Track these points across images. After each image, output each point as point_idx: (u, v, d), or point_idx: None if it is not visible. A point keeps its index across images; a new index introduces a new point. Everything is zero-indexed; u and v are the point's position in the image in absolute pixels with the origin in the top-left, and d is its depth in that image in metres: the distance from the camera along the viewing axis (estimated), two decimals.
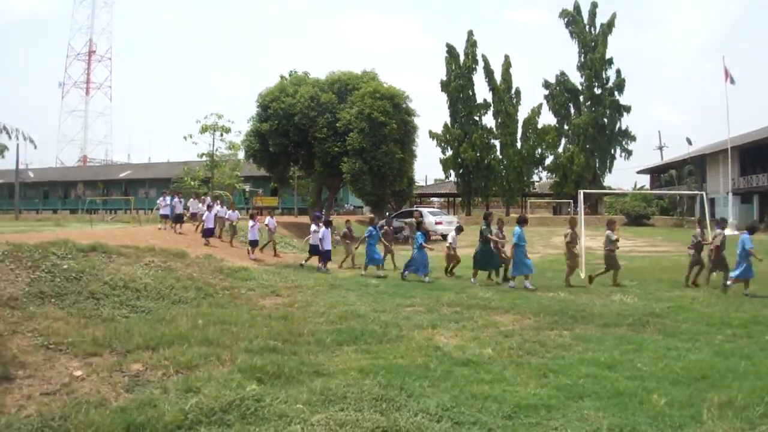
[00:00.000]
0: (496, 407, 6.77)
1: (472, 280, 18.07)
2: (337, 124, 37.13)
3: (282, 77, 43.49)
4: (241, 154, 46.20)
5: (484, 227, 18.55)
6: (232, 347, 9.39)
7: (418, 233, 19.29)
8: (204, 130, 43.37)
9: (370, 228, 21.42)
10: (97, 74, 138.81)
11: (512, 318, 12.66)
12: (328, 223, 22.50)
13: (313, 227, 21.96)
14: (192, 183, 47.58)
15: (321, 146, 37.46)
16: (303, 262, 21.92)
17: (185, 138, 44.01)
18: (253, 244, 23.53)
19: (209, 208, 25.17)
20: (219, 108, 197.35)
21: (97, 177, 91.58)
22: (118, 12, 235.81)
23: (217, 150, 45.29)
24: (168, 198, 27.28)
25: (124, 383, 7.76)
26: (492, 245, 18.28)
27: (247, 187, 64.78)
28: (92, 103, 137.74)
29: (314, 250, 21.73)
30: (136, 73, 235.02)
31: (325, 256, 21.38)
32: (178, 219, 26.13)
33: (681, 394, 7.32)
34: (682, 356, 9.32)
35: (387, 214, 42.45)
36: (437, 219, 38.83)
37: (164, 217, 26.68)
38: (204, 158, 46.06)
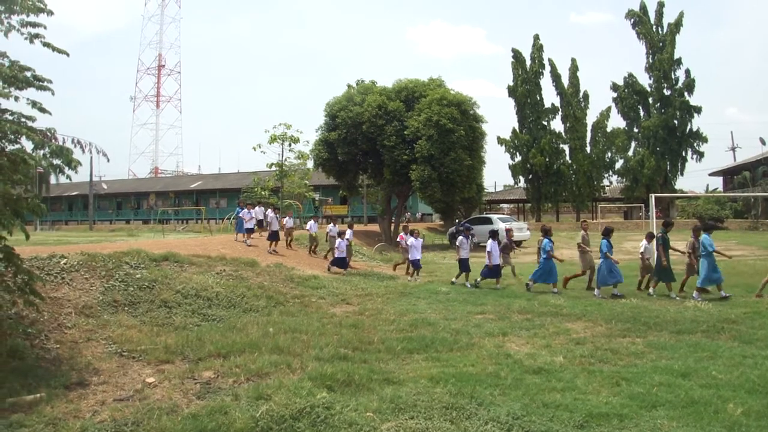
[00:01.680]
0: (568, 416, 6.69)
1: (650, 291, 17.12)
2: (405, 132, 37.15)
3: (349, 86, 43.82)
4: (310, 164, 46.54)
5: (660, 235, 17.74)
6: (302, 355, 9.45)
7: (546, 240, 18.39)
8: (273, 140, 43.75)
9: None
10: (166, 88, 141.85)
11: (584, 325, 12.55)
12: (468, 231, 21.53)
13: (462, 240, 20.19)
14: (262, 193, 48.01)
15: (389, 154, 37.51)
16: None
17: (254, 148, 44.48)
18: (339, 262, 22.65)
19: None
20: (287, 118, 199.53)
21: (169, 188, 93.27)
22: (186, 26, 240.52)
23: (286, 159, 45.67)
24: (253, 211, 26.34)
25: (196, 390, 7.87)
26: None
27: (317, 196, 65.16)
28: (163, 115, 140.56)
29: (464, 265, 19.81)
30: (206, 85, 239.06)
31: (415, 265, 21.25)
32: (250, 231, 25.89)
33: (758, 404, 7.14)
34: (758, 364, 9.09)
35: (456, 221, 42.50)
36: (507, 225, 38.54)
37: (249, 231, 25.54)
38: (273, 168, 46.46)
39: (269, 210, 25.99)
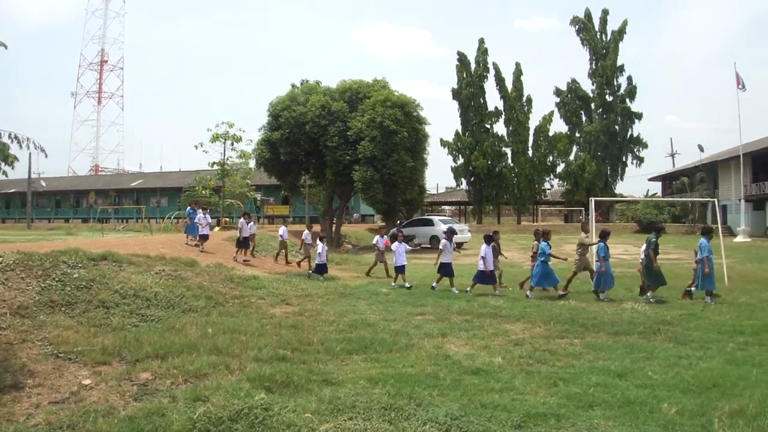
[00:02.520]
0: (505, 416, 6.75)
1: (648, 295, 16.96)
2: (348, 133, 37.23)
3: (293, 86, 43.68)
4: (252, 163, 46.38)
5: (653, 239, 17.25)
6: (241, 356, 9.39)
7: (543, 243, 17.84)
8: (215, 139, 43.59)
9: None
10: (109, 84, 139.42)
11: (522, 326, 12.68)
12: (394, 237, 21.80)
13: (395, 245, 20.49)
14: (203, 192, 47.67)
15: (332, 155, 37.55)
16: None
17: (196, 147, 44.38)
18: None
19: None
20: (231, 117, 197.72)
21: (109, 186, 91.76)
22: (130, 22, 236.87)
23: (228, 159, 45.49)
24: (207, 215, 25.61)
25: (133, 392, 7.78)
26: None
27: (259, 196, 64.79)
28: (104, 112, 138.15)
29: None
30: (148, 82, 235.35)
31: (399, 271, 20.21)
32: (205, 237, 24.80)
33: (692, 403, 7.30)
34: (693, 364, 9.30)
35: (398, 222, 42.61)
36: (449, 227, 38.82)
37: (204, 237, 24.40)
38: (215, 167, 46.17)
39: (241, 218, 24.65)
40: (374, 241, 23.47)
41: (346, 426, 6.34)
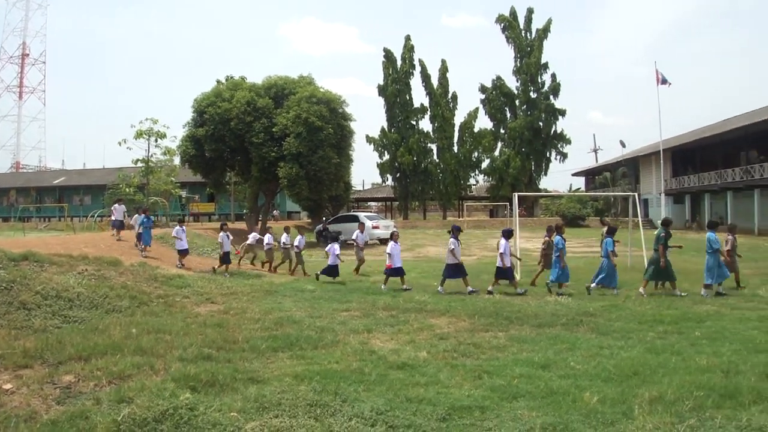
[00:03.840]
0: (431, 410, 6.82)
1: (641, 290, 16.89)
2: (274, 129, 37.07)
3: (218, 82, 43.32)
4: (176, 160, 45.80)
5: (661, 233, 17.36)
6: (165, 356, 9.31)
7: (608, 239, 17.53)
8: (139, 135, 42.83)
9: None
10: (30, 78, 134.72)
11: (447, 321, 12.83)
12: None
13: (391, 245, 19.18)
14: (127, 190, 46.86)
15: (257, 151, 37.34)
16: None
17: (120, 143, 43.56)
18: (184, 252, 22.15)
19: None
20: (156, 113, 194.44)
21: (30, 184, 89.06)
22: (53, 14, 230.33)
23: (152, 156, 44.78)
24: (185, 226, 23.88)
25: (56, 395, 7.65)
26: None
27: (184, 193, 64.01)
28: (25, 107, 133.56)
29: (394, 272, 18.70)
30: (71, 77, 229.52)
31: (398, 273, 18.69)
32: (118, 225, 24.94)
33: (613, 391, 7.50)
34: (614, 354, 9.59)
35: (324, 219, 42.63)
36: (374, 223, 38.95)
37: (184, 252, 22.49)
38: (139, 164, 45.43)
39: (220, 232, 22.39)
40: (283, 240, 23.16)
41: (272, 424, 6.35)
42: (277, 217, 66.71)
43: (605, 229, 18.63)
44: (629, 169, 71.61)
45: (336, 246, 19.84)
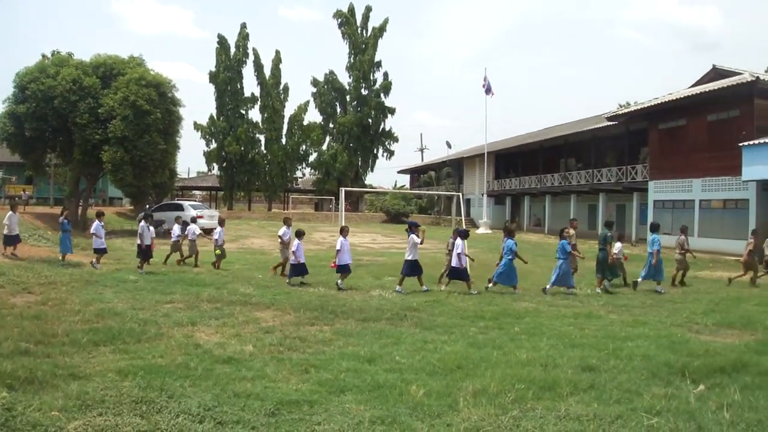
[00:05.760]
0: (259, 404, 6.75)
1: (597, 289, 17.96)
2: (100, 111, 35.34)
3: (44, 56, 41.03)
4: None
5: (607, 234, 18.68)
6: None
7: (510, 241, 17.78)
8: None
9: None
10: None
11: (273, 314, 12.76)
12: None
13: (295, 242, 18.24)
14: None
15: (81, 133, 35.49)
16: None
17: None
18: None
19: None
20: None
21: None
22: None
23: None
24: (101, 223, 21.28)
25: None
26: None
27: None
28: None
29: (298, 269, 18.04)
30: None
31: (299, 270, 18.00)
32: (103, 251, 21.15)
33: (438, 385, 7.67)
34: (438, 348, 9.82)
35: (147, 206, 41.44)
36: (198, 213, 38.19)
37: (102, 251, 20.57)
38: None
39: (141, 222, 20.61)
40: (177, 231, 22.10)
41: (95, 423, 6.06)
42: (92, 204, 64.48)
43: (505, 232, 18.95)
44: (454, 169, 73.72)
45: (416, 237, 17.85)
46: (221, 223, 21.67)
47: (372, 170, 79.01)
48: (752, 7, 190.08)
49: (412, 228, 17.80)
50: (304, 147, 75.19)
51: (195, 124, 72.60)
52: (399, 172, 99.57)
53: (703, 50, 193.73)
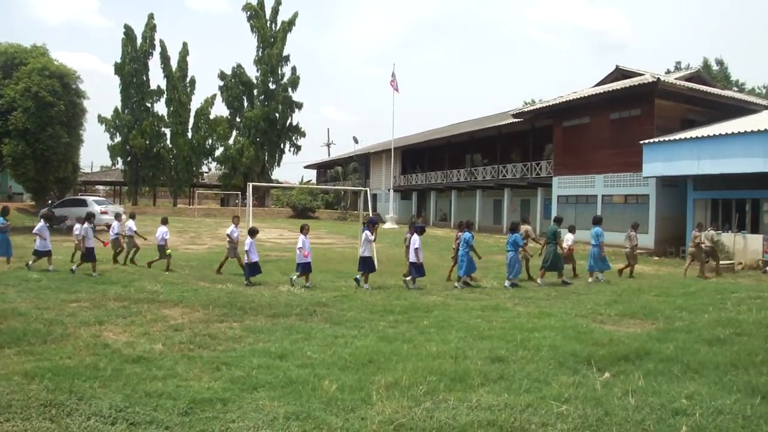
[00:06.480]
0: (171, 404, 6.66)
1: (539, 280, 18.84)
2: (0, 102, 34.39)
3: None
4: None
5: (557, 229, 19.50)
6: None
7: (467, 234, 18.37)
8: None
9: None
10: None
11: (181, 311, 12.63)
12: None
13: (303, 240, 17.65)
14: None
15: None
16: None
17: None
18: None
19: None
20: None
21: None
22: None
23: None
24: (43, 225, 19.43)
25: None
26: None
27: None
28: None
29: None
30: None
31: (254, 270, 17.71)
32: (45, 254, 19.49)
33: (350, 379, 7.72)
34: (349, 343, 9.91)
35: (50, 202, 40.34)
36: (102, 208, 37.34)
37: (44, 254, 18.85)
38: None
39: (84, 223, 19.04)
40: (76, 231, 21.07)
41: (3, 429, 5.88)
42: None
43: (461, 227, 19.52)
44: (361, 164, 74.13)
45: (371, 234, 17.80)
46: (164, 222, 21.26)
47: (279, 165, 78.67)
48: (654, 10, 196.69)
49: (369, 225, 18.03)
50: (210, 141, 74.09)
51: (99, 117, 70.48)
52: (306, 167, 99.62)
53: (607, 51, 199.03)
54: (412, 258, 17.50)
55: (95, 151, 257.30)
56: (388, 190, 63.37)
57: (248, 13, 74.78)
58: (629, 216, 31.38)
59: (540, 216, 44.38)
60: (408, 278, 17.66)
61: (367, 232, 17.50)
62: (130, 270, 19.19)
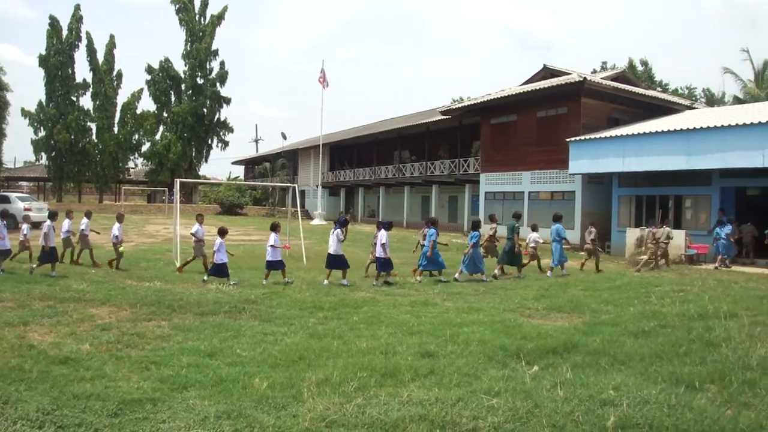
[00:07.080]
0: (100, 405, 6.54)
1: (496, 271, 19.68)
2: None
3: None
4: None
5: (515, 224, 20.15)
6: None
7: (432, 230, 18.98)
8: None
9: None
10: None
11: (108, 310, 12.40)
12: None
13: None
14: None
15: None
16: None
17: None
18: None
19: None
20: None
21: None
22: None
23: None
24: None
25: None
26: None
27: None
28: None
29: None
30: None
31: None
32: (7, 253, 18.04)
33: (281, 376, 7.72)
34: (278, 340, 9.91)
35: None
36: (26, 205, 36.46)
37: (6, 253, 18.02)
38: None
39: (50, 221, 18.20)
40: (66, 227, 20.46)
41: None
42: None
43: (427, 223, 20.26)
44: (289, 161, 73.91)
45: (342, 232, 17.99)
46: (119, 219, 20.55)
47: (206, 161, 77.97)
48: (582, 10, 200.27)
49: (340, 224, 18.22)
50: (137, 136, 73.01)
51: (23, 110, 68.63)
52: (233, 163, 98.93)
53: (534, 50, 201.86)
54: (379, 253, 17.58)
55: (18, 145, 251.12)
56: (317, 187, 63.30)
57: (177, 6, 73.61)
58: (555, 212, 31.99)
59: (467, 212, 44.84)
60: (375, 282, 17.67)
61: (338, 231, 17.68)
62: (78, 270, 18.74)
